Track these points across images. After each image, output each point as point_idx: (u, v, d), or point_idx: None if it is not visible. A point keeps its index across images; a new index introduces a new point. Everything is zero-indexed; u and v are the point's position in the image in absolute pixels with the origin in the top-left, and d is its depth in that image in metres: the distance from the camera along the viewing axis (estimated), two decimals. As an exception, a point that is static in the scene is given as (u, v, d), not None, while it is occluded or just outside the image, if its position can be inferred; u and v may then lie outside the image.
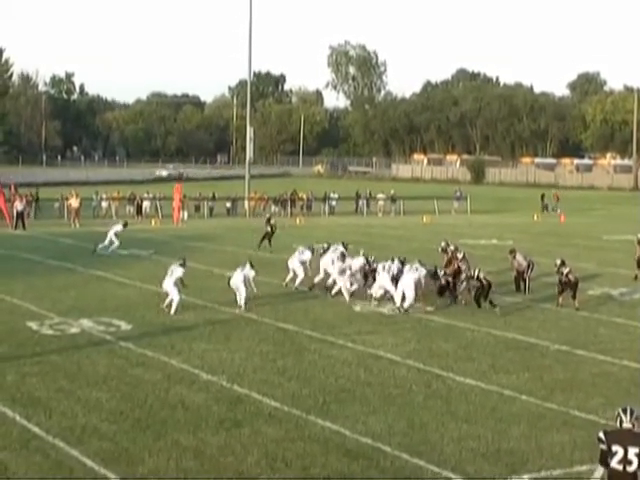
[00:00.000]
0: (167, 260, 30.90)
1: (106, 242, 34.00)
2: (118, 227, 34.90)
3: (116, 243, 33.96)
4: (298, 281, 25.86)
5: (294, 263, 26.19)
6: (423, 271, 23.53)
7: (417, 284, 23.00)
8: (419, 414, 13.87)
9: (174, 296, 21.85)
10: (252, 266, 23.27)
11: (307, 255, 26.47)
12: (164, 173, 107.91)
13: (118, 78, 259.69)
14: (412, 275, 22.97)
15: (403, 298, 22.72)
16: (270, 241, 35.43)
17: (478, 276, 23.01)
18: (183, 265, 22.54)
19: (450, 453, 12.16)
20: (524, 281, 25.94)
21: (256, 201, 59.63)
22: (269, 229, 36.11)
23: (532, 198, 68.21)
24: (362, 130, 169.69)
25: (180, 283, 22.11)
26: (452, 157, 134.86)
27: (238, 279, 22.76)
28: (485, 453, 12.22)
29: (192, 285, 24.91)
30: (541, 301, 24.50)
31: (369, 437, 12.69)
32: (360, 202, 61.94)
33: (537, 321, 21.87)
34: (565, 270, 23.80)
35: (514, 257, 26.36)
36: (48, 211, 50.78)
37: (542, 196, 66.89)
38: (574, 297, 23.66)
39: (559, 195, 68.02)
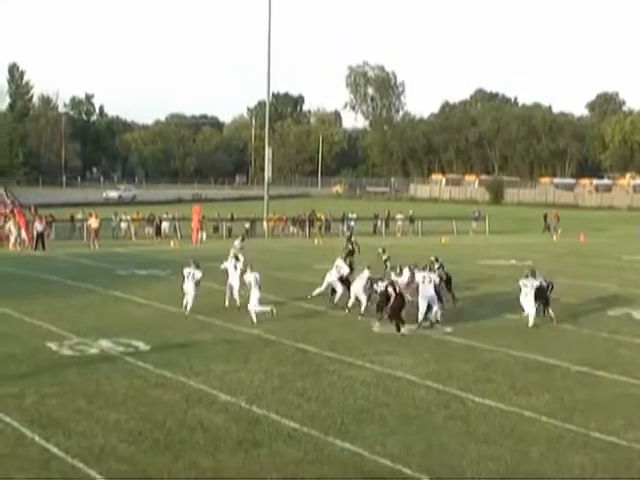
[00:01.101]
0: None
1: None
2: (237, 243, 35.73)
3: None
4: (337, 297, 26.13)
5: (332, 278, 26.37)
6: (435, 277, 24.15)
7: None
8: (438, 435, 13.81)
9: (190, 297, 24.23)
10: (238, 258, 26.14)
11: (345, 270, 26.59)
12: (113, 194, 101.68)
13: (137, 99, 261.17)
14: (430, 286, 23.47)
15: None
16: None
17: (384, 288, 23.13)
18: (198, 267, 24.77)
19: (470, 474, 12.10)
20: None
21: (275, 222, 59.72)
22: (351, 247, 36.36)
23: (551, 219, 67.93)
24: (380, 150, 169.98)
25: (198, 284, 24.41)
26: (470, 177, 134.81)
27: (252, 277, 23.81)
28: (505, 474, 12.15)
29: (210, 305, 24.98)
30: (561, 322, 24.36)
31: (388, 458, 12.64)
32: (378, 222, 61.93)
33: (557, 342, 21.76)
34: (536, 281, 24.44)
35: (534, 277, 26.23)
36: (67, 232, 51.03)
37: (545, 216, 66.70)
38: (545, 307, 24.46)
39: (559, 215, 67.71)
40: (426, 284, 23.60)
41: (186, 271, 24.64)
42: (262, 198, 64.35)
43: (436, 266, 26.43)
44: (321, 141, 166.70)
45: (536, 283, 24.11)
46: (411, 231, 60.91)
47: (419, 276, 24.03)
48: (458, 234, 59.43)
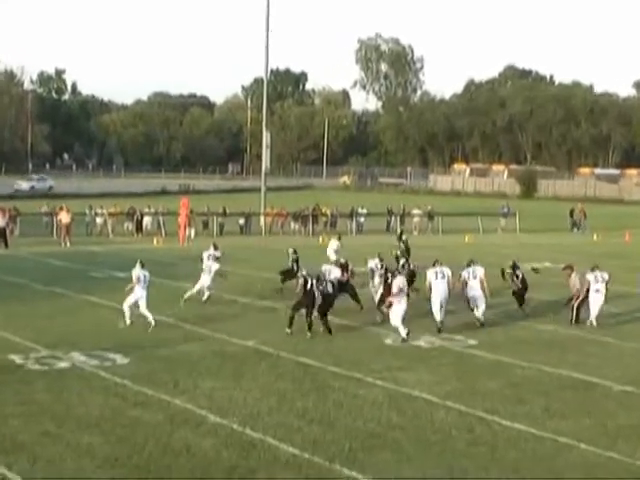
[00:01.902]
0: (170, 284, 31.05)
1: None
2: (334, 244, 36.24)
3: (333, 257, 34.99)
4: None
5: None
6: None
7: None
8: (460, 463, 13.81)
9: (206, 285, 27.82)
10: (216, 247, 29.46)
11: (336, 273, 26.72)
12: (24, 186, 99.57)
13: (115, 76, 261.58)
14: (443, 282, 24.72)
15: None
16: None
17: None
18: (217, 248, 29.21)
19: (496, 509, 12.10)
20: (574, 308, 25.72)
21: (273, 217, 59.72)
22: (403, 246, 36.16)
23: (592, 215, 67.93)
24: (395, 136, 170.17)
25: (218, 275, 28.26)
26: (499, 167, 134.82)
27: (141, 274, 24.35)
28: (537, 509, 12.15)
29: (198, 313, 25.01)
30: (602, 334, 24.35)
31: (402, 490, 12.65)
32: (392, 219, 61.90)
33: (598, 357, 21.74)
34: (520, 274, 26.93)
35: (569, 275, 26.31)
36: (35, 227, 51.05)
37: (571, 212, 66.45)
38: (521, 304, 27.08)
39: (585, 210, 67.48)
40: (438, 280, 24.46)
41: (205, 254, 28.56)
42: (259, 190, 64.40)
43: (401, 262, 28.19)
44: (327, 125, 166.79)
45: (606, 276, 25.54)
46: (430, 229, 60.91)
47: (431, 273, 24.85)
48: (484, 232, 59.39)
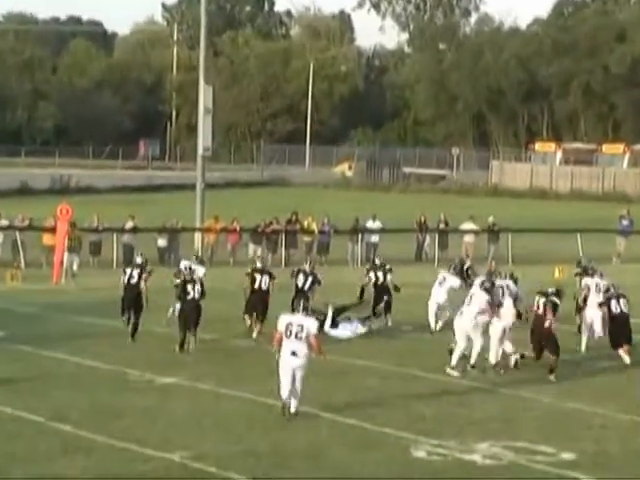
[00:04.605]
0: (31, 353, 31.14)
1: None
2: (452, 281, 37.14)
3: None
4: None
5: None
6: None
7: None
8: None
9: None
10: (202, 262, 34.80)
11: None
12: None
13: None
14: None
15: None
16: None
17: None
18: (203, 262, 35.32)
19: None
20: None
21: (217, 235, 59.66)
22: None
23: None
24: (432, 93, 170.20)
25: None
26: (613, 148, 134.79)
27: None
28: None
29: (89, 403, 25.08)
30: None
31: None
32: (426, 239, 61.88)
33: None
34: None
35: None
36: None
37: None
38: None
39: None
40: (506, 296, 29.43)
41: (184, 264, 33.47)
42: (192, 188, 64.56)
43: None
44: (311, 73, 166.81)
45: None
46: (491, 255, 60.61)
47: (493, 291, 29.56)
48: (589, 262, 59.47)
